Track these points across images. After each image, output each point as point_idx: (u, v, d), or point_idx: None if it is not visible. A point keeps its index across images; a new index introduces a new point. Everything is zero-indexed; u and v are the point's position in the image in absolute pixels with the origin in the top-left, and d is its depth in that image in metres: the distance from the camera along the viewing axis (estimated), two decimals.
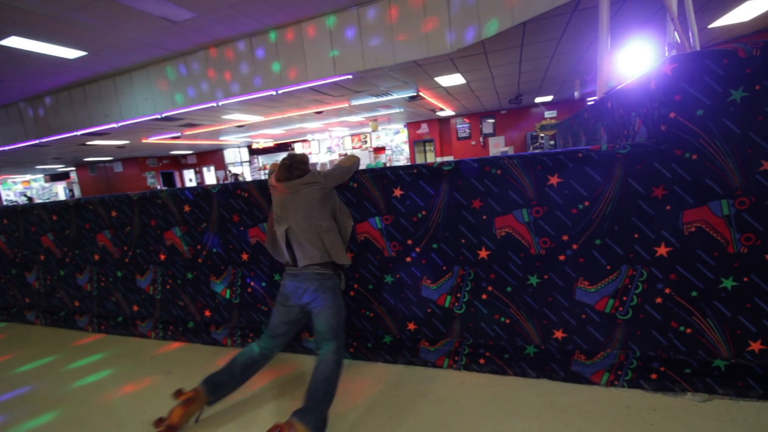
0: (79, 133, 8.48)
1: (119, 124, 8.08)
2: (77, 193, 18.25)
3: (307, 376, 1.82)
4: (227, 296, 2.80)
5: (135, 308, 3.21)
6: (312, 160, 16.44)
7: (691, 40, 2.22)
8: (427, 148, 15.23)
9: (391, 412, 1.91)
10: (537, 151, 1.91)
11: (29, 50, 5.75)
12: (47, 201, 3.62)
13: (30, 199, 18.99)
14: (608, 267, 1.88)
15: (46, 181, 19.91)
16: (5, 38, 5.27)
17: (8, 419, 2.18)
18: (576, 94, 7.50)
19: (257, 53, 6.47)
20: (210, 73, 6.89)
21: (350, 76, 6.28)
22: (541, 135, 11.56)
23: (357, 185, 2.26)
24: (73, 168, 17.87)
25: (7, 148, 9.47)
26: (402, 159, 15.25)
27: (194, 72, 7.00)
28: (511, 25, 4.80)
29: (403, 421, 1.83)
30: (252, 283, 2.69)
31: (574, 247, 1.91)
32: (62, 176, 18.93)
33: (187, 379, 2.40)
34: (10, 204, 4.27)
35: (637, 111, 2.02)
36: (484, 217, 2.04)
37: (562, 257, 1.94)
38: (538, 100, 12.17)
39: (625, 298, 1.88)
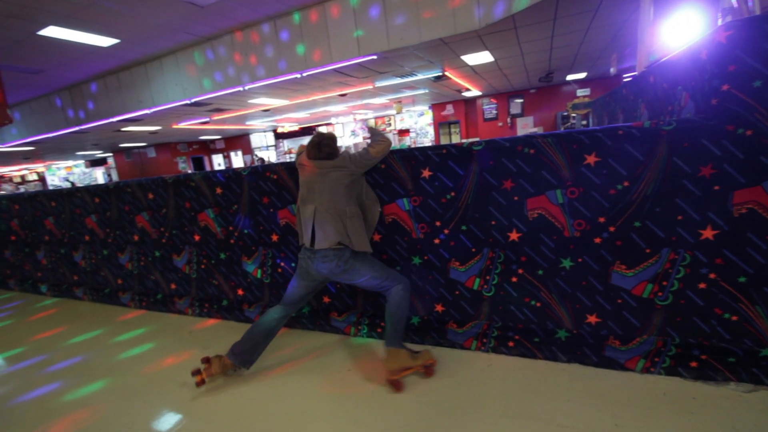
0: (115, 119, 8.81)
1: (151, 110, 8.34)
2: (115, 177, 19.14)
3: (337, 352, 1.86)
4: (258, 276, 2.89)
5: (173, 286, 3.36)
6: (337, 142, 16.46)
7: (750, 3, 2.03)
8: (453, 130, 14.93)
9: (420, 391, 1.94)
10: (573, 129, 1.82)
11: (66, 39, 5.96)
12: (89, 185, 3.81)
13: (73, 183, 20.08)
14: (647, 250, 1.80)
15: (86, 167, 20.97)
16: (44, 28, 5.48)
17: (64, 385, 2.37)
18: (612, 70, 7.08)
19: (282, 35, 6.45)
20: (236, 57, 6.94)
21: (375, 57, 6.18)
22: (573, 114, 11.06)
23: (385, 166, 2.24)
24: (110, 154, 18.71)
25: (50, 135, 9.98)
26: (426, 141, 15.03)
27: (221, 56, 7.08)
28: None
29: (431, 401, 1.86)
30: (282, 264, 2.76)
31: (611, 229, 1.84)
32: (101, 162, 19.87)
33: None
34: (56, 188, 4.53)
35: (683, 84, 1.88)
36: (516, 198, 1.99)
37: (597, 240, 1.87)
38: (569, 77, 11.60)
39: (665, 283, 1.80)
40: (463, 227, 2.14)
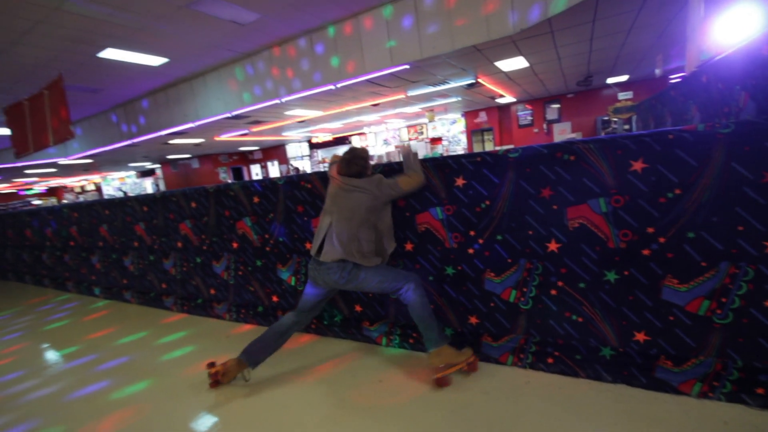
0: (163, 133, 9.41)
1: (196, 124, 8.83)
2: (162, 186, 20.37)
3: (368, 362, 1.84)
4: (292, 283, 2.94)
5: (212, 292, 3.50)
6: (370, 152, 16.64)
7: None
8: (486, 137, 14.68)
9: (453, 407, 1.88)
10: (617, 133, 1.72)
11: (122, 60, 6.47)
12: (138, 194, 4.06)
13: (125, 193, 21.57)
14: (703, 264, 1.66)
15: (137, 177, 22.47)
16: (103, 50, 5.98)
17: (112, 384, 2.51)
18: (657, 71, 6.70)
19: (317, 49, 6.65)
20: (274, 71, 7.23)
21: (407, 66, 6.22)
22: (615, 119, 10.55)
23: None
24: (158, 165, 19.95)
25: (107, 148, 10.79)
26: (459, 149, 14.86)
27: (260, 71, 7.40)
28: None
29: (466, 417, 1.79)
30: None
31: (661, 240, 1.71)
32: (150, 172, 21.23)
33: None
34: (110, 197, 4.88)
35: (743, 84, 1.74)
36: (555, 207, 1.90)
37: (646, 252, 1.75)
38: (610, 80, 11.11)
39: (724, 300, 1.65)
40: (499, 237, 2.07)
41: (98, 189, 24.04)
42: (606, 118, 11.67)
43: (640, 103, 4.55)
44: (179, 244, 3.64)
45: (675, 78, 9.58)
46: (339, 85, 6.92)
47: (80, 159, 12.79)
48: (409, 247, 2.36)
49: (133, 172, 22.40)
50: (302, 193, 2.70)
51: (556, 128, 12.97)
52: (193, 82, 8.32)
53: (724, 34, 2.68)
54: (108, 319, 3.81)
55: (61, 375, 2.74)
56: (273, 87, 7.40)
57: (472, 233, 2.14)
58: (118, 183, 23.73)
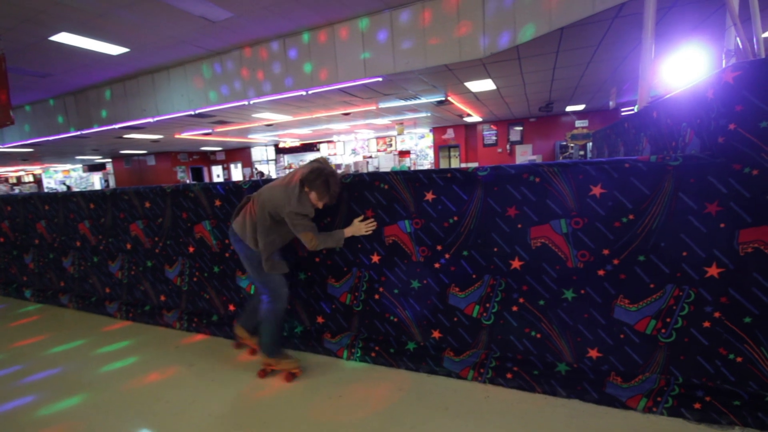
0: (117, 126, 8.84)
1: (155, 119, 8.38)
2: (112, 183, 19.07)
3: (328, 376, 1.78)
4: (251, 292, 2.82)
5: (162, 298, 3.27)
6: (337, 161, 16.59)
7: (756, 47, 2.08)
8: (452, 153, 15.09)
9: (413, 422, 1.85)
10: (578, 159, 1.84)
11: (77, 46, 6.04)
12: (84, 189, 3.76)
13: (69, 187, 19.95)
14: (652, 285, 1.77)
15: (84, 171, 20.91)
16: (56, 34, 5.55)
17: (39, 399, 2.25)
18: (611, 103, 7.24)
19: (290, 53, 6.57)
20: (243, 72, 7.04)
21: (380, 79, 6.28)
22: (571, 144, 11.23)
23: (388, 187, 2.22)
24: (110, 159, 18.69)
25: (51, 138, 9.97)
26: (426, 164, 15.16)
27: (228, 70, 7.18)
28: (549, 30, 4.68)
29: None
30: None
31: (615, 262, 1.81)
32: (99, 167, 19.83)
33: (209, 372, 2.42)
34: (51, 191, 4.47)
35: (689, 121, 1.90)
36: (519, 225, 1.96)
37: (601, 272, 1.84)
38: (569, 108, 11.85)
39: (668, 320, 1.77)
40: (465, 252, 2.10)
41: (37, 181, 22.10)
42: (564, 143, 12.40)
43: (597, 132, 4.87)
44: (128, 246, 3.39)
45: (626, 111, 10.39)
46: (310, 92, 6.86)
47: (19, 147, 11.72)
48: (375, 259, 2.34)
49: (79, 166, 20.82)
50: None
51: (519, 149, 13.58)
52: (155, 76, 7.92)
53: (672, 75, 2.93)
54: (39, 326, 3.45)
55: None
56: (241, 88, 7.20)
57: (439, 248, 2.16)
58: (62, 176, 21.95)
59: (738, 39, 2.14)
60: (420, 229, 2.19)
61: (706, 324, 1.71)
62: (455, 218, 2.09)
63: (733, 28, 2.16)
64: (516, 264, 2.00)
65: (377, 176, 2.25)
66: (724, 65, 2.42)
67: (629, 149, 3.15)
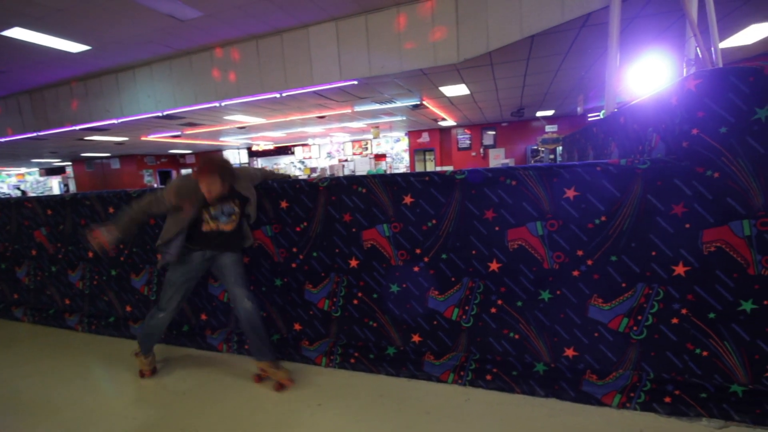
0: (78, 127, 8.38)
1: (119, 121, 8.00)
2: (72, 187, 18.05)
3: (306, 384, 1.73)
4: (225, 299, 2.71)
5: (128, 309, 3.10)
6: (312, 164, 16.42)
7: (714, 56, 2.20)
8: (427, 157, 15.24)
9: (395, 427, 1.83)
10: (552, 163, 1.90)
11: (33, 42, 5.68)
12: (41, 195, 3.52)
13: (23, 192, 18.75)
14: (623, 285, 1.83)
15: (41, 175, 19.70)
16: (8, 29, 5.21)
17: None
18: (579, 109, 7.54)
19: (263, 55, 6.44)
20: (214, 72, 6.85)
21: (355, 82, 6.27)
22: (542, 148, 11.60)
23: (366, 191, 2.20)
24: (70, 163, 17.70)
25: (3, 140, 9.34)
26: (402, 167, 15.24)
27: (198, 71, 6.96)
28: (520, 37, 4.81)
29: None
30: (252, 288, 2.60)
31: (589, 262, 1.86)
32: (58, 170, 18.74)
33: (180, 383, 2.31)
34: (2, 196, 4.16)
35: (654, 127, 1.98)
36: (497, 228, 1.99)
37: (576, 273, 1.89)
38: (539, 114, 12.24)
39: (639, 318, 1.83)
40: (443, 256, 2.11)
41: None
42: (535, 147, 12.78)
43: (566, 136, 5.04)
44: (90, 254, 3.19)
45: (592, 116, 10.84)
46: (284, 94, 6.75)
47: None
48: (354, 263, 2.31)
49: (36, 169, 19.60)
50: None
51: (492, 153, 13.89)
52: (119, 75, 7.57)
53: (636, 82, 3.06)
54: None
55: None
56: (212, 89, 7.00)
57: (418, 251, 2.15)
58: (16, 180, 20.59)
59: (698, 48, 2.26)
60: (399, 233, 2.18)
61: (675, 321, 1.78)
62: (434, 221, 2.09)
63: (693, 38, 2.28)
64: (494, 266, 2.02)
65: (355, 179, 2.22)
66: (685, 73, 2.55)
67: (598, 153, 3.27)
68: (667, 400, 1.79)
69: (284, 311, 2.54)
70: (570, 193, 1.84)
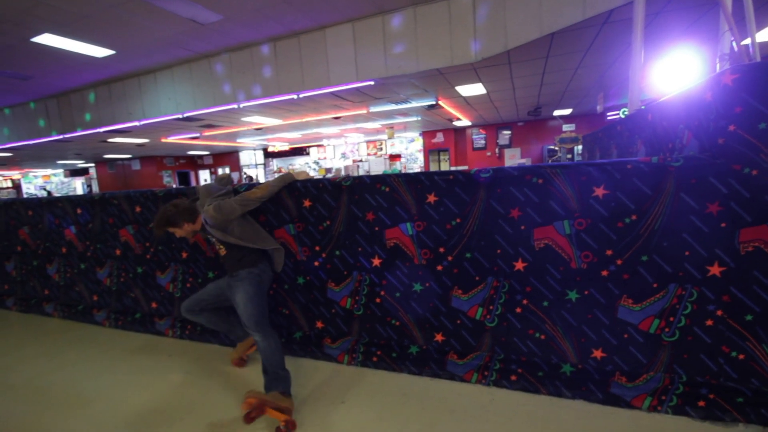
0: (102, 130, 8.63)
1: (141, 123, 8.21)
2: (95, 188, 18.59)
3: (329, 382, 1.74)
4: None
5: (153, 305, 3.18)
6: (327, 165, 16.53)
7: (751, 49, 2.13)
8: (442, 157, 15.18)
9: (420, 426, 1.83)
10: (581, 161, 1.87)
11: (60, 48, 5.88)
12: (69, 194, 3.64)
13: (49, 192, 19.39)
14: (655, 285, 1.79)
15: (65, 176, 20.35)
16: (38, 35, 5.40)
17: None
18: (598, 107, 7.39)
19: (280, 57, 6.52)
20: (233, 75, 6.96)
21: (372, 83, 6.28)
22: (557, 148, 11.42)
23: (389, 189, 2.20)
24: (93, 164, 18.24)
25: (32, 142, 9.68)
26: (416, 167, 15.21)
27: (217, 73, 7.09)
28: (539, 35, 4.75)
29: None
30: (275, 286, 2.64)
31: (619, 262, 1.82)
32: (81, 172, 19.32)
33: (205, 380, 2.35)
34: (31, 196, 4.30)
35: (686, 123, 1.93)
36: (523, 227, 1.96)
37: (604, 273, 1.85)
38: (556, 113, 12.06)
39: (672, 319, 1.78)
40: (468, 255, 2.09)
41: (16, 186, 21.41)
42: (552, 146, 12.59)
43: (587, 135, 4.95)
44: (118, 252, 3.28)
45: (612, 115, 10.62)
46: (301, 95, 6.82)
47: None
48: (376, 262, 2.31)
49: (61, 170, 20.26)
50: (265, 203, 2.56)
51: (507, 153, 13.75)
52: (141, 78, 7.77)
53: (662, 78, 2.99)
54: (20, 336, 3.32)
55: None
56: (231, 91, 7.12)
57: (441, 250, 2.15)
58: (42, 181, 21.32)
59: (734, 42, 2.19)
60: (422, 232, 2.17)
61: (709, 322, 1.73)
62: (458, 220, 2.08)
63: (729, 31, 2.21)
64: (519, 265, 2.00)
65: (378, 179, 2.23)
66: (718, 68, 2.48)
67: (623, 152, 3.20)
68: (701, 404, 1.74)
69: (307, 309, 2.56)
70: (599, 192, 1.81)
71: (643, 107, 2.75)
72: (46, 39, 5.54)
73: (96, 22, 5.17)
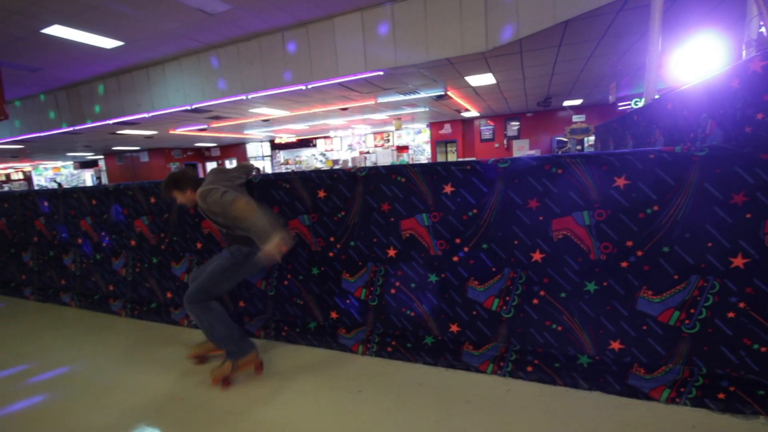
0: (111, 122, 8.68)
1: (150, 114, 8.24)
2: (104, 180, 18.77)
3: (345, 372, 1.75)
4: (262, 287, 2.78)
5: (169, 295, 3.22)
6: (334, 156, 16.50)
7: None
8: (449, 148, 15.08)
9: (437, 416, 1.84)
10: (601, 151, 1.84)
11: (69, 39, 5.89)
12: (86, 186, 3.68)
13: (59, 184, 19.61)
14: (676, 276, 1.77)
15: (75, 168, 20.55)
16: (48, 26, 5.41)
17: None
18: (611, 97, 7.27)
19: (289, 47, 6.48)
20: (241, 65, 6.93)
21: (381, 73, 6.23)
22: (566, 139, 11.29)
23: (405, 180, 2.19)
24: (102, 156, 18.39)
25: (42, 134, 9.77)
26: (423, 159, 15.13)
27: (225, 64, 7.07)
28: (553, 23, 4.66)
29: (452, 427, 1.76)
30: (289, 276, 2.66)
31: (639, 253, 1.80)
32: (91, 164, 19.50)
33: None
34: (43, 188, 4.36)
35: (709, 112, 1.89)
36: (541, 218, 1.95)
37: (624, 264, 1.83)
38: (566, 103, 11.89)
39: (692, 311, 1.76)
40: (484, 245, 2.08)
41: (28, 179, 21.68)
42: (561, 137, 12.45)
43: (600, 125, 4.88)
44: (133, 243, 3.32)
45: (623, 105, 10.45)
46: (310, 86, 6.78)
47: (9, 144, 11.47)
48: (392, 253, 2.31)
49: (70, 163, 20.46)
50: (279, 193, 2.57)
51: (516, 144, 13.62)
52: (150, 70, 7.77)
53: (681, 67, 2.92)
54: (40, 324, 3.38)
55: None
56: (239, 82, 7.10)
57: (457, 241, 2.14)
58: (52, 173, 21.56)
59: (763, 27, 2.13)
60: (438, 223, 2.16)
61: (731, 314, 1.71)
62: (475, 211, 2.07)
63: (758, 16, 2.15)
64: (537, 256, 1.99)
65: (394, 169, 2.22)
66: (745, 55, 2.41)
67: (639, 142, 3.15)
68: (721, 396, 1.73)
69: (321, 300, 2.58)
70: (620, 182, 1.78)
71: (657, 96, 2.70)
72: (56, 30, 5.56)
73: (105, 12, 5.17)
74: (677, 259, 1.75)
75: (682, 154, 1.68)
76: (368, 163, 14.04)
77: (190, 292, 2.16)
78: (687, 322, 1.78)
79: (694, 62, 2.75)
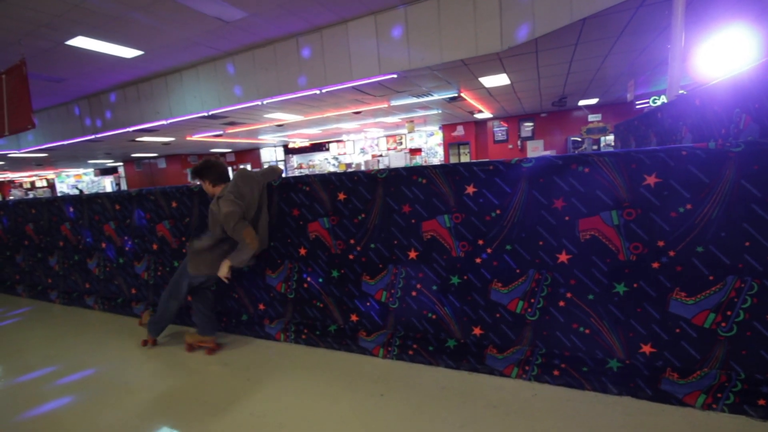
0: (131, 129, 8.89)
1: (168, 122, 8.42)
2: (123, 186, 19.24)
3: (366, 375, 1.73)
4: (282, 290, 2.79)
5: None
6: (347, 160, 16.57)
7: None
8: (462, 150, 14.99)
9: (462, 421, 1.81)
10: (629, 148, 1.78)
11: (92, 50, 6.07)
12: (109, 192, 3.77)
13: (81, 191, 20.16)
14: (711, 278, 1.70)
15: (95, 175, 21.12)
16: (73, 38, 5.58)
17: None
18: (628, 96, 7.12)
19: (303, 52, 6.54)
20: (256, 72, 7.03)
21: (395, 75, 6.23)
22: (580, 139, 11.08)
23: (426, 181, 2.18)
24: (121, 163, 18.87)
25: (66, 142, 10.07)
26: (435, 161, 15.08)
27: (241, 70, 7.18)
28: (570, 21, 4.59)
29: (477, 431, 1.72)
30: (309, 279, 2.66)
31: (671, 254, 1.74)
32: (110, 171, 20.02)
33: (244, 372, 2.40)
34: (66, 194, 4.48)
35: (743, 107, 1.82)
36: (567, 218, 1.90)
37: (655, 264, 1.78)
38: (582, 102, 11.69)
39: (729, 313, 1.70)
40: (508, 247, 2.05)
41: (51, 186, 22.38)
42: (576, 138, 12.25)
43: (620, 123, 4.77)
44: (155, 247, 3.38)
45: (641, 103, 10.22)
46: (324, 90, 6.83)
47: (34, 153, 11.87)
48: (413, 255, 2.29)
49: (91, 170, 21.05)
50: (299, 195, 2.58)
51: (530, 145, 13.45)
52: (168, 78, 7.95)
53: (707, 62, 2.84)
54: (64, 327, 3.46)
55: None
56: (254, 88, 7.20)
57: (480, 242, 2.11)
58: (74, 180, 22.21)
59: None
60: (460, 224, 2.14)
61: None
62: (498, 212, 2.04)
63: None
64: (563, 258, 1.95)
65: (415, 170, 2.20)
66: None
67: (663, 139, 3.07)
68: (761, 402, 1.65)
69: (341, 302, 2.57)
70: (650, 180, 1.73)
71: (683, 92, 2.62)
72: (80, 42, 5.73)
73: (126, 23, 5.31)
74: (712, 259, 1.69)
75: (716, 150, 1.62)
76: (381, 167, 14.04)
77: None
78: (723, 324, 1.71)
79: (721, 57, 2.66)
